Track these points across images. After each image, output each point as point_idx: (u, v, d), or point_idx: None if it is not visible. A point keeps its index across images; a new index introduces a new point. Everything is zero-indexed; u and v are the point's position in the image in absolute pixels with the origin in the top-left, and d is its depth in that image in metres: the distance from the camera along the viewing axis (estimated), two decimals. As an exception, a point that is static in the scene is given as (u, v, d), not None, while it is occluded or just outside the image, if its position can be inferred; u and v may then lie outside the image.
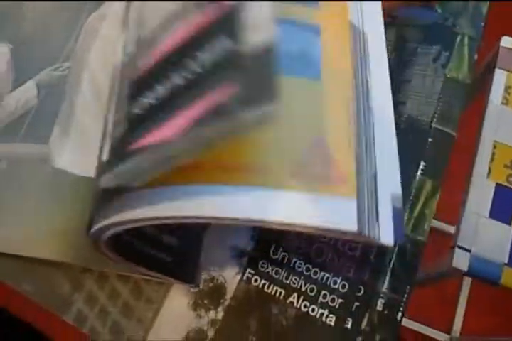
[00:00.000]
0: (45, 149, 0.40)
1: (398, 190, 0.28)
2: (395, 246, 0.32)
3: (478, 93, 0.83)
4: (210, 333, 0.38)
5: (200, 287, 0.39)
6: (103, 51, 0.42)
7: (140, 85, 0.27)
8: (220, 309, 0.38)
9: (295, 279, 0.39)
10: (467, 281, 1.10)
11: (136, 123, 0.26)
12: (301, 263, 0.39)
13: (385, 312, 0.39)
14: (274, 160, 0.25)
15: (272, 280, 0.39)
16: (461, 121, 0.46)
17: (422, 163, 0.44)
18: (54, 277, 0.39)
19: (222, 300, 0.39)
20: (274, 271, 0.39)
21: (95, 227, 0.27)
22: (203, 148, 0.23)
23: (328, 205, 0.24)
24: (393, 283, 0.40)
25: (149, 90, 0.25)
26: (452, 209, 0.72)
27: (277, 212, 0.23)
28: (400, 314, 0.40)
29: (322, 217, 0.24)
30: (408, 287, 0.40)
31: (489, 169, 0.72)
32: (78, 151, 0.40)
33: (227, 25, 0.22)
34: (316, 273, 0.39)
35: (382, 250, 0.41)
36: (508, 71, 0.80)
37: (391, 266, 0.41)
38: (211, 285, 0.39)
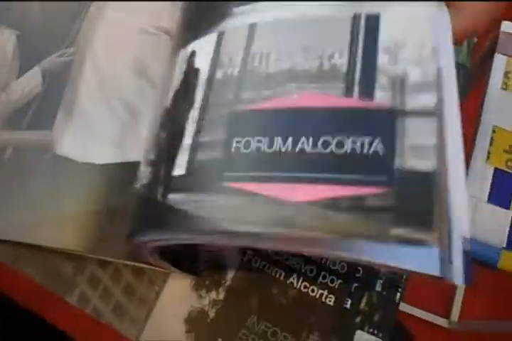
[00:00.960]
0: (49, 136, 0.40)
1: (468, 233, 0.25)
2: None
3: (478, 78, 0.83)
4: (212, 313, 0.38)
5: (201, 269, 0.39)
6: (107, 36, 0.42)
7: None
8: (221, 290, 0.39)
9: (295, 261, 0.40)
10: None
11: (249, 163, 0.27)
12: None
13: (384, 292, 0.40)
14: None
15: (272, 262, 0.39)
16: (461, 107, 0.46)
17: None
18: (57, 259, 0.40)
19: (223, 281, 0.39)
20: (274, 253, 0.40)
21: (145, 238, 0.28)
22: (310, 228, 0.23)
23: (418, 252, 0.23)
24: (392, 264, 0.41)
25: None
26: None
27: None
28: (398, 294, 0.40)
29: (412, 261, 0.23)
30: (406, 268, 0.41)
31: (488, 154, 0.72)
32: (80, 138, 0.40)
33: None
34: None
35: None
36: (508, 56, 0.80)
37: (390, 247, 0.41)
38: (212, 266, 0.39)
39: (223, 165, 0.27)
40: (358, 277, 0.40)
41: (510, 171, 0.72)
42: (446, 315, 1.08)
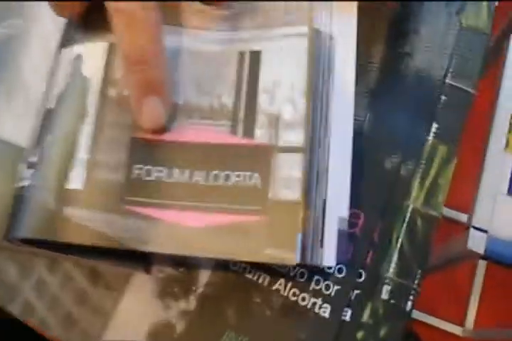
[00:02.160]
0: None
1: (345, 213, 0.31)
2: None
3: (494, 60, 0.76)
4: (180, 326, 0.31)
5: (168, 271, 0.32)
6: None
7: None
8: (191, 298, 0.32)
9: (282, 262, 0.32)
10: (481, 269, 1.04)
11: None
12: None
13: (392, 301, 0.33)
14: None
15: (254, 264, 0.32)
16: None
17: (435, 125, 0.37)
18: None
19: (194, 288, 0.32)
20: (257, 253, 0.33)
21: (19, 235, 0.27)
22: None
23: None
24: (401, 267, 0.34)
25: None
26: (463, 192, 0.65)
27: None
28: (409, 303, 0.33)
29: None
30: (419, 271, 0.34)
31: (507, 141, 0.65)
32: (21, 119, 0.33)
33: None
34: (307, 254, 0.33)
35: (387, 227, 0.34)
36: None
37: (398, 245, 0.34)
38: (181, 269, 0.32)
39: (124, 189, 0.28)
40: (359, 282, 0.33)
41: (531, 160, 0.65)
42: (460, 323, 1.02)
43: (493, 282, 1.04)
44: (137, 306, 0.32)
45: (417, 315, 0.98)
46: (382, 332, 0.33)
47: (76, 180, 0.28)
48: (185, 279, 0.32)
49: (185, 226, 0.28)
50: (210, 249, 0.28)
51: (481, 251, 0.58)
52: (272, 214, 0.28)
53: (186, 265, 0.33)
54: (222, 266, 0.32)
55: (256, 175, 0.29)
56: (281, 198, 0.28)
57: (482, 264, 1.03)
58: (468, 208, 0.63)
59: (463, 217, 0.83)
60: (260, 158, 0.29)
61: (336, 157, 0.31)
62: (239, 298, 0.32)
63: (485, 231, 0.59)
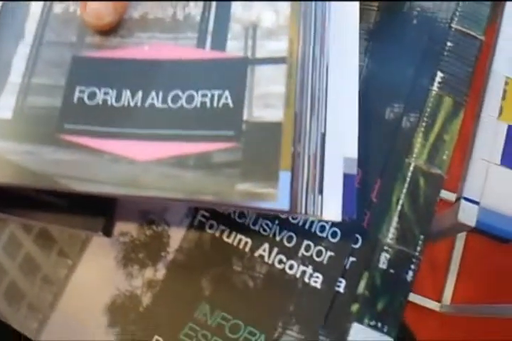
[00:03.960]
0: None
1: (354, 153, 0.26)
2: (343, 221, 0.26)
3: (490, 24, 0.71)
4: (146, 299, 0.27)
5: (133, 235, 0.27)
6: None
7: None
8: (160, 265, 0.27)
9: (266, 224, 0.28)
10: (459, 244, 1.03)
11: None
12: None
13: (391, 270, 0.30)
14: None
15: (234, 226, 0.28)
16: None
17: (440, 75, 0.33)
18: None
19: (163, 254, 0.28)
20: (236, 214, 0.28)
21: None
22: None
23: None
24: (402, 232, 0.30)
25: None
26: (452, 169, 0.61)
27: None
28: (410, 273, 0.29)
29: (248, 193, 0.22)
30: (421, 237, 0.30)
31: (501, 108, 0.61)
32: None
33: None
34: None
35: (386, 186, 0.30)
36: None
37: (399, 207, 0.30)
38: (149, 232, 0.28)
39: (62, 116, 0.24)
40: (355, 249, 0.28)
41: (526, 129, 0.61)
42: (438, 299, 1.02)
43: (472, 256, 1.03)
44: (95, 275, 0.27)
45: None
46: (380, 305, 0.29)
47: (5, 108, 0.24)
48: (153, 244, 0.28)
49: (133, 160, 0.23)
50: (166, 188, 0.22)
51: (472, 223, 0.55)
52: (247, 140, 0.23)
53: (154, 227, 0.28)
54: (196, 228, 0.28)
55: (227, 93, 0.24)
56: (260, 119, 0.23)
57: (461, 237, 1.01)
58: (454, 186, 0.59)
59: (448, 196, 0.80)
60: (232, 72, 0.25)
61: (337, 84, 0.27)
62: (216, 266, 0.28)
63: (476, 203, 0.56)
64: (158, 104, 0.24)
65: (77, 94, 0.25)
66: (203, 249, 0.28)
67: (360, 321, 0.28)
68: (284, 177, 0.22)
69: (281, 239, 0.28)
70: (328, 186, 0.25)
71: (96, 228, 0.26)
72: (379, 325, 0.28)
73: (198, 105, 0.24)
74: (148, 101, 0.24)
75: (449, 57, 0.34)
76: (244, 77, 0.24)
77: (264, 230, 0.28)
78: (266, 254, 0.28)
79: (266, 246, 0.28)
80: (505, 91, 0.63)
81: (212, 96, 0.24)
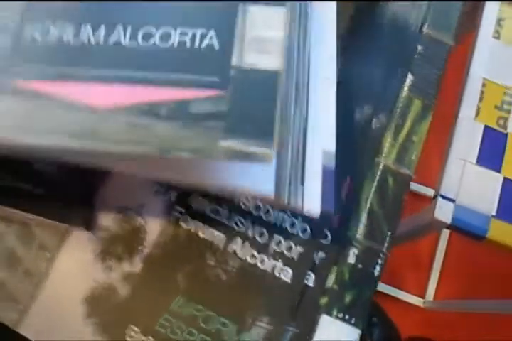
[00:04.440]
0: None
1: (332, 147, 0.25)
2: (322, 215, 0.25)
3: (468, 27, 0.73)
4: (123, 291, 0.28)
5: (111, 229, 0.29)
6: None
7: None
8: (137, 259, 0.29)
9: (239, 220, 0.29)
10: (442, 241, 1.04)
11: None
12: (248, 199, 0.29)
13: (359, 265, 0.30)
14: None
15: (209, 222, 0.29)
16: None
17: (410, 77, 0.34)
18: None
19: (140, 248, 0.29)
20: (211, 210, 0.29)
21: None
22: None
23: (242, 165, 0.21)
24: (370, 228, 0.31)
25: None
26: (431, 166, 0.62)
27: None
28: (377, 268, 0.31)
29: (234, 177, 0.21)
30: (389, 233, 0.31)
31: (477, 109, 0.62)
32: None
33: None
34: (267, 212, 0.30)
35: (355, 185, 0.31)
36: (501, 1, 0.71)
37: (368, 205, 0.31)
38: (126, 227, 0.29)
39: (11, 58, 0.21)
40: (324, 244, 0.30)
41: (501, 130, 0.63)
42: (422, 294, 1.03)
43: (455, 253, 1.05)
44: (74, 268, 0.28)
45: (380, 286, 0.99)
46: (348, 299, 0.30)
47: None
48: (130, 238, 0.29)
49: (93, 106, 0.20)
50: (131, 140, 0.19)
51: (447, 220, 0.56)
52: (235, 88, 0.20)
53: (132, 221, 0.29)
54: (172, 223, 0.29)
55: (212, 32, 0.21)
56: (253, 67, 0.21)
57: (444, 235, 1.03)
58: (435, 182, 0.61)
59: (429, 192, 0.81)
60: (220, 10, 0.21)
61: (317, 82, 0.26)
62: (191, 260, 0.29)
63: (452, 201, 0.57)
64: (126, 42, 0.21)
65: (29, 33, 0.21)
66: (179, 243, 0.29)
67: (329, 313, 0.30)
68: (270, 165, 0.21)
69: (253, 235, 0.29)
70: (309, 178, 0.24)
71: (78, 222, 0.28)
72: (347, 317, 0.30)
73: (176, 45, 0.21)
74: (113, 38, 0.21)
75: (419, 61, 0.35)
76: (234, 16, 0.21)
77: (238, 226, 0.29)
78: (238, 249, 0.29)
79: (239, 241, 0.29)
80: (482, 92, 0.64)
81: (194, 35, 0.21)
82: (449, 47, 0.36)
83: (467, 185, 0.59)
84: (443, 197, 0.58)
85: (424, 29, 0.36)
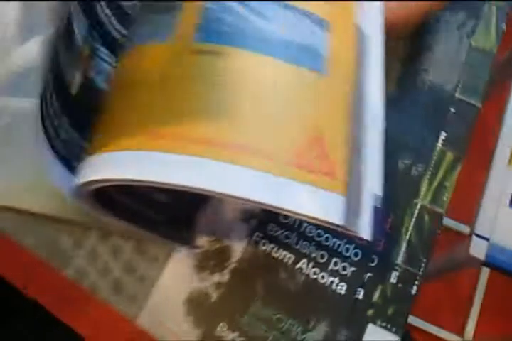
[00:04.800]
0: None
1: (380, 191, 0.28)
2: (371, 242, 0.32)
3: (500, 83, 0.80)
4: (215, 295, 0.36)
5: (206, 248, 0.37)
6: None
7: None
8: (225, 272, 0.37)
9: (305, 245, 0.37)
10: (482, 281, 1.07)
11: None
12: (312, 229, 0.38)
13: (399, 285, 0.38)
14: (272, 146, 0.24)
15: (281, 245, 0.37)
16: (487, 102, 0.45)
17: (443, 134, 0.42)
18: (56, 232, 0.38)
19: (227, 263, 0.37)
20: (283, 235, 0.38)
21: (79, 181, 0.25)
22: None
23: (320, 197, 0.25)
24: (409, 255, 0.38)
25: None
26: (468, 205, 0.69)
27: (271, 195, 0.23)
28: (414, 288, 0.38)
29: (312, 206, 0.24)
30: (424, 260, 0.38)
31: (511, 156, 0.69)
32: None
33: None
34: (327, 239, 0.38)
35: (397, 220, 0.39)
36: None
37: (407, 237, 0.39)
38: (217, 246, 0.37)
39: None
40: (372, 266, 0.37)
41: (533, 175, 0.69)
42: (460, 333, 1.05)
43: (495, 293, 1.06)
44: (177, 277, 0.37)
45: (417, 322, 1.02)
46: (390, 311, 0.37)
47: None
48: (220, 256, 0.37)
49: None
50: None
51: (482, 257, 0.63)
52: None
53: (221, 242, 0.37)
54: (252, 244, 0.37)
55: None
56: None
57: (484, 275, 1.07)
58: (471, 220, 0.67)
59: (466, 229, 0.87)
60: None
61: (368, 132, 0.29)
62: (267, 274, 0.37)
63: (487, 239, 0.64)
64: None
65: None
66: (258, 261, 0.37)
67: (374, 322, 0.37)
68: (341, 200, 0.25)
69: (316, 256, 0.37)
70: (363, 213, 0.27)
71: (181, 241, 0.37)
72: (388, 326, 0.37)
73: None
74: None
75: (451, 120, 0.43)
76: None
77: (304, 249, 0.37)
78: (304, 267, 0.37)
79: (304, 260, 0.37)
80: (515, 141, 0.71)
81: None
82: (478, 108, 0.44)
83: (501, 225, 0.65)
84: (477, 235, 0.64)
85: (457, 94, 0.44)
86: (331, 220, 0.24)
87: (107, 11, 0.28)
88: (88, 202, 0.27)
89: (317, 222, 0.24)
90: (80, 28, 0.29)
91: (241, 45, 0.24)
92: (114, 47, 0.27)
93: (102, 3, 0.28)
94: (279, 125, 0.24)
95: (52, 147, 0.32)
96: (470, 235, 0.65)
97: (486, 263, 0.63)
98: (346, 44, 0.29)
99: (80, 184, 0.24)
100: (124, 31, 0.27)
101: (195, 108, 0.23)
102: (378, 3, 0.32)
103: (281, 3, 0.26)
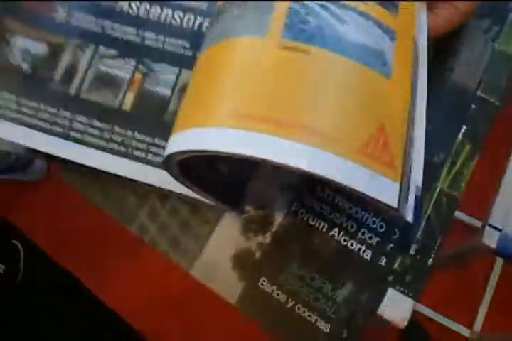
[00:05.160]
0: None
1: (420, 182, 0.33)
2: (411, 223, 0.35)
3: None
4: (257, 254, 0.42)
5: (251, 213, 0.43)
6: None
7: None
8: (267, 235, 0.43)
9: (337, 215, 0.43)
10: (494, 276, 1.11)
11: None
12: (344, 202, 0.43)
13: (417, 256, 0.43)
14: (344, 134, 0.27)
15: (316, 214, 0.43)
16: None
17: (464, 127, 0.47)
18: (122, 192, 0.44)
19: (269, 227, 0.43)
20: (318, 207, 0.43)
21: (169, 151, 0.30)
22: None
23: (380, 182, 0.28)
24: (427, 231, 0.44)
25: None
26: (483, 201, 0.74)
27: (342, 175, 0.27)
28: (430, 260, 0.43)
29: (373, 188, 0.28)
30: (440, 236, 0.44)
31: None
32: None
33: None
34: (357, 212, 0.43)
35: (419, 201, 0.45)
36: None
37: (427, 215, 0.44)
38: (260, 213, 0.43)
39: None
40: (394, 238, 0.43)
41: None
42: (469, 325, 1.09)
43: (504, 291, 1.10)
44: (226, 236, 0.43)
45: (428, 312, 1.06)
46: (408, 279, 0.43)
47: None
48: (263, 220, 0.43)
49: None
50: None
51: (493, 245, 0.68)
52: None
53: (265, 209, 0.43)
54: (292, 213, 0.43)
55: None
56: None
57: (494, 274, 1.11)
58: (484, 216, 0.72)
59: (479, 224, 0.91)
60: None
61: (416, 129, 0.33)
62: (303, 238, 0.43)
63: (499, 230, 0.69)
64: None
65: None
66: (296, 227, 0.43)
67: (394, 287, 0.42)
68: (396, 186, 0.29)
69: (346, 226, 0.43)
70: (409, 201, 0.31)
71: (237, 206, 0.43)
72: (406, 291, 0.42)
73: None
74: None
75: (472, 116, 0.48)
76: None
77: (336, 219, 0.43)
78: (336, 234, 0.43)
79: (336, 229, 0.43)
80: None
81: None
82: (497, 106, 0.49)
83: (513, 218, 0.70)
84: (490, 225, 0.69)
85: (478, 92, 0.49)
86: (388, 203, 0.28)
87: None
88: (171, 169, 0.33)
89: (375, 202, 0.28)
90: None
91: (321, 45, 0.29)
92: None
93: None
94: (350, 117, 0.28)
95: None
96: (483, 226, 0.70)
97: (497, 252, 0.68)
98: (406, 53, 0.33)
99: (170, 153, 0.29)
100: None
101: (275, 92, 0.28)
102: (425, 16, 0.37)
103: (357, 10, 0.31)
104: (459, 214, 1.10)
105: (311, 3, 0.29)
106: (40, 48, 0.43)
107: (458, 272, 1.05)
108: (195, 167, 0.34)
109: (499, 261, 1.09)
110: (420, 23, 0.36)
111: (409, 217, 0.30)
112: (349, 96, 0.28)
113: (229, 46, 0.30)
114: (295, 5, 0.29)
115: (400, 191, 0.29)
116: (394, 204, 0.28)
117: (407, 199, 0.31)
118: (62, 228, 1.06)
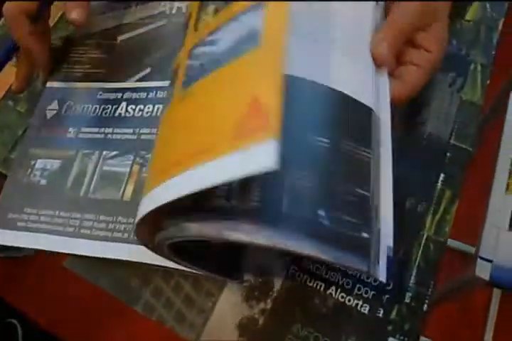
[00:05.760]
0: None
1: (391, 243, 0.34)
2: (386, 282, 0.39)
3: (496, 116, 0.89)
4: (261, 320, 0.44)
5: (252, 282, 0.45)
6: None
7: None
8: (268, 300, 0.45)
9: (333, 274, 0.45)
10: (494, 306, 1.12)
11: None
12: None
13: (412, 304, 0.45)
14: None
15: (313, 275, 0.45)
16: (483, 139, 0.52)
17: (442, 175, 0.50)
18: (126, 274, 0.46)
19: (270, 293, 0.45)
20: (314, 268, 0.45)
21: (160, 237, 0.32)
22: None
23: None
24: (419, 278, 0.46)
25: None
26: (470, 224, 0.76)
27: None
28: (425, 306, 0.45)
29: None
30: (432, 282, 0.46)
31: (507, 185, 0.77)
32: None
33: None
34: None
35: (407, 249, 0.47)
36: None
37: (416, 263, 0.47)
38: (260, 280, 0.45)
39: None
40: (388, 289, 0.45)
41: (529, 201, 0.77)
42: None
43: (506, 320, 1.11)
44: (229, 306, 0.45)
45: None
46: (406, 327, 0.45)
47: None
48: (264, 287, 0.45)
49: None
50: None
51: (486, 277, 0.70)
52: None
53: (264, 276, 0.45)
54: (289, 277, 0.45)
55: None
56: None
57: (494, 304, 1.12)
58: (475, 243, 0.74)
59: (472, 250, 0.93)
60: None
61: (382, 196, 0.35)
62: (303, 300, 0.44)
63: (490, 261, 0.71)
64: None
65: None
66: (295, 289, 0.45)
67: (394, 336, 0.44)
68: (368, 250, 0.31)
69: (343, 283, 0.45)
70: (381, 262, 0.32)
71: (237, 278, 0.44)
72: (406, 339, 0.44)
73: None
74: None
75: (448, 163, 0.51)
76: None
77: (332, 278, 0.45)
78: (333, 292, 0.45)
79: (333, 287, 0.45)
80: (510, 171, 0.79)
81: None
82: (470, 152, 0.52)
83: (502, 248, 0.73)
84: (481, 258, 0.71)
85: (452, 141, 0.52)
86: (360, 268, 0.31)
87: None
88: (164, 252, 0.35)
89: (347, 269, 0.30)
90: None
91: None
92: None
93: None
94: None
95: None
96: (475, 258, 0.72)
97: (491, 283, 0.70)
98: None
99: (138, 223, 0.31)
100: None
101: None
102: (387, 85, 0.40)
103: None
104: (453, 242, 1.13)
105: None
106: (55, 163, 0.47)
107: (458, 303, 1.07)
108: (185, 246, 0.36)
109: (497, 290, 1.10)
110: (380, 94, 0.39)
111: (382, 278, 0.32)
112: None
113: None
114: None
115: (371, 254, 0.31)
116: (365, 268, 0.31)
117: (378, 260, 0.32)
118: (60, 305, 1.06)
